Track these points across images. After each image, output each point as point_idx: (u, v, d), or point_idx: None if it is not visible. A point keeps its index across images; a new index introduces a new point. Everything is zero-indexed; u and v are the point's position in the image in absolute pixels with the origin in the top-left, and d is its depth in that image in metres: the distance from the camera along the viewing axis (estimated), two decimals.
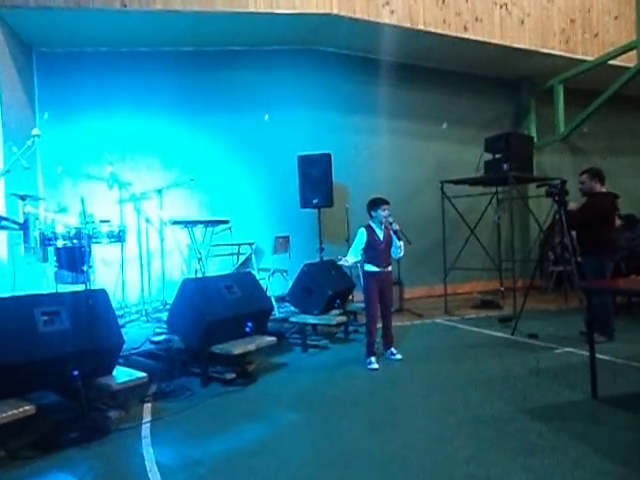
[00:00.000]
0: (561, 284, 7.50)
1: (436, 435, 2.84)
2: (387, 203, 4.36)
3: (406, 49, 7.58)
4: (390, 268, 4.40)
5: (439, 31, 7.13)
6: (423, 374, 4.07)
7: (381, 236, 4.35)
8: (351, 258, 4.37)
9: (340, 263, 4.42)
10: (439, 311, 6.74)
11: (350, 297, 6.09)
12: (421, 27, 6.99)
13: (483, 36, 7.47)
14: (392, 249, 4.40)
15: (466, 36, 7.34)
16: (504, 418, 3.04)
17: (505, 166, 6.12)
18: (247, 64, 7.17)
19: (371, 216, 4.41)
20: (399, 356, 4.42)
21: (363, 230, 4.37)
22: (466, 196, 7.09)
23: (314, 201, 6.49)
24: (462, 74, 8.58)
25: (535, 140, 8.20)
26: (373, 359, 4.26)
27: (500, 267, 7.65)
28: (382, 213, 4.32)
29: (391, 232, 4.32)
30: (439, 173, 7.48)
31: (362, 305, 6.81)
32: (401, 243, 4.35)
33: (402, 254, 4.40)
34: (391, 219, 4.32)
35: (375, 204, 4.37)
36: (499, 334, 5.34)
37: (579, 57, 8.22)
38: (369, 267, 4.34)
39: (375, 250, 4.32)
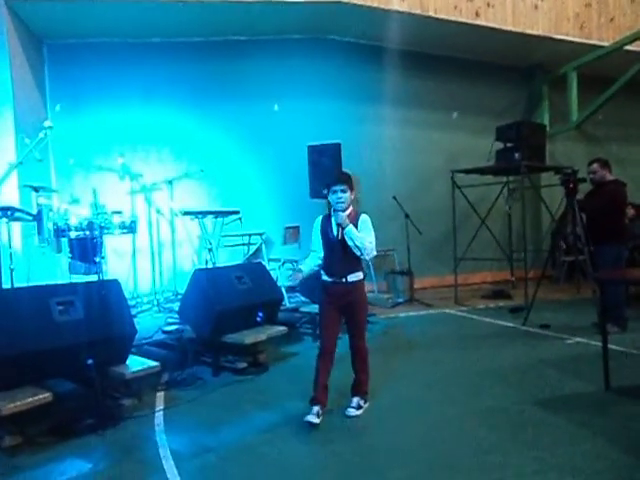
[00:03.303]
0: (573, 274, 7.43)
1: (446, 425, 2.85)
2: (342, 182, 2.97)
3: (417, 37, 7.48)
4: (355, 277, 2.98)
5: (450, 17, 7.03)
6: (433, 364, 4.07)
7: (335, 230, 2.97)
8: (306, 265, 3.08)
9: (292, 278, 3.15)
10: (449, 301, 6.73)
11: None
12: (432, 14, 6.90)
13: (495, 22, 7.34)
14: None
15: (478, 22, 7.22)
16: (515, 408, 3.03)
17: (517, 155, 6.05)
18: (257, 54, 7.14)
19: None
20: (352, 411, 3.00)
21: (318, 221, 3.11)
22: (477, 186, 7.02)
23: (324, 191, 6.45)
24: (473, 61, 8.45)
25: (548, 128, 8.08)
26: (314, 409, 2.88)
27: (511, 257, 7.60)
28: (333, 197, 2.97)
29: (341, 230, 2.94)
30: (450, 162, 7.41)
31: (372, 295, 6.87)
32: (361, 241, 2.87)
33: (368, 255, 2.93)
34: (342, 205, 2.94)
35: (327, 186, 3.05)
36: (510, 324, 5.32)
37: (594, 42, 8.05)
38: (322, 275, 3.05)
39: (327, 250, 3.02)
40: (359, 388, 3.10)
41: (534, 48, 8.13)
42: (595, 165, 5.01)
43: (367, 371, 3.11)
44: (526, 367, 3.83)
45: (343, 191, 2.95)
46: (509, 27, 7.44)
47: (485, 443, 2.59)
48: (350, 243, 2.88)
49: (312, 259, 3.09)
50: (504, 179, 7.50)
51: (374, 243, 2.95)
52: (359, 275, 3.02)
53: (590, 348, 4.23)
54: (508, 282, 7.70)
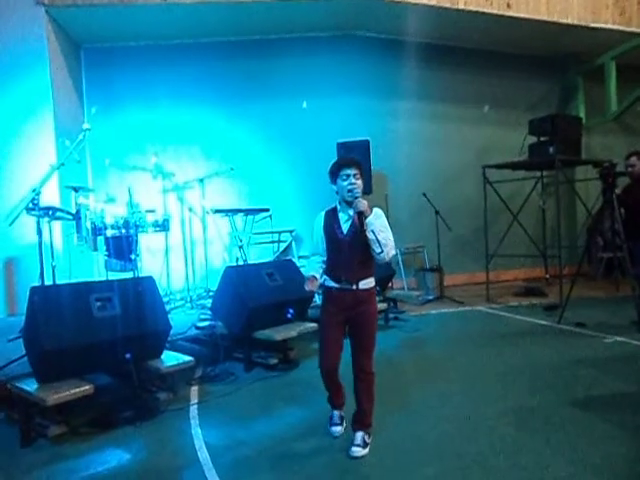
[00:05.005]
0: (611, 271, 7.19)
1: (478, 423, 2.81)
2: (353, 165, 2.47)
3: (446, 30, 7.37)
4: (368, 284, 2.51)
5: (481, 9, 6.87)
6: (465, 362, 4.02)
7: (345, 227, 2.50)
8: (315, 271, 2.56)
9: (307, 286, 2.51)
10: (481, 299, 6.62)
11: (390, 284, 6.07)
12: (462, 6, 6.76)
13: (528, 12, 7.13)
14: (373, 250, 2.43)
15: (509, 13, 7.04)
16: (550, 408, 2.97)
17: (551, 149, 5.88)
18: (285, 52, 7.19)
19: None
20: (358, 451, 2.48)
21: (320, 216, 2.61)
22: (509, 181, 6.87)
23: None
24: (504, 54, 8.26)
25: (584, 121, 7.82)
26: (335, 414, 2.74)
27: (545, 254, 7.41)
28: (344, 184, 2.46)
29: (363, 219, 2.40)
30: (481, 157, 7.28)
31: (402, 292, 6.83)
32: (383, 237, 2.40)
33: (387, 255, 2.43)
34: (358, 192, 2.44)
35: (333, 171, 2.52)
36: (544, 322, 5.20)
37: (635, 30, 7.71)
38: (326, 280, 2.57)
39: (334, 251, 2.53)
40: (363, 421, 2.56)
41: (569, 38, 7.86)
42: (634, 158, 4.86)
43: (373, 399, 2.56)
44: (562, 366, 3.74)
45: (356, 177, 2.45)
46: (543, 17, 7.22)
47: (518, 442, 2.55)
48: (371, 237, 2.37)
49: (316, 262, 2.60)
50: (537, 174, 7.32)
51: (393, 241, 2.47)
52: (371, 282, 2.53)
53: (629, 347, 4.10)
54: (542, 279, 7.52)
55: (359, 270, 2.48)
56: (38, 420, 2.82)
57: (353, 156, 2.63)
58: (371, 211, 2.43)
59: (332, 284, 2.53)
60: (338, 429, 2.73)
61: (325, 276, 2.56)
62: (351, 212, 2.46)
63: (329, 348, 2.54)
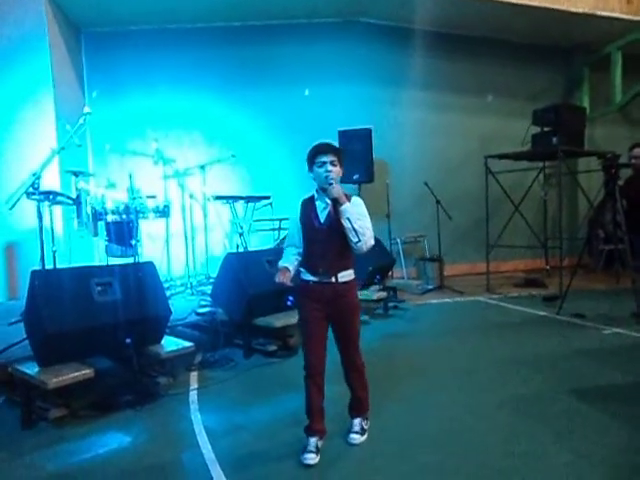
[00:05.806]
0: (612, 263, 7.18)
1: (476, 412, 2.83)
2: (331, 152, 2.34)
3: (451, 18, 7.27)
4: (347, 276, 2.38)
5: None
6: (463, 351, 4.03)
7: (322, 216, 2.36)
8: (288, 262, 2.42)
9: (278, 279, 2.37)
10: (481, 289, 6.63)
11: (390, 273, 6.08)
12: None
13: (535, 0, 7.04)
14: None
15: (516, 1, 6.94)
16: (548, 398, 2.99)
17: (554, 139, 5.84)
18: (288, 38, 7.11)
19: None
20: (357, 438, 2.50)
21: (297, 206, 2.48)
22: (511, 171, 6.83)
23: (354, 177, 6.44)
24: (510, 43, 8.16)
25: (587, 111, 7.76)
26: (311, 442, 2.36)
27: (546, 245, 7.41)
28: (319, 170, 2.33)
29: (338, 207, 2.29)
30: (483, 147, 7.24)
31: (402, 281, 6.84)
32: (359, 225, 2.27)
33: (365, 245, 2.29)
34: (332, 178, 2.30)
35: (309, 157, 2.39)
36: (543, 313, 5.21)
37: None
38: (302, 273, 2.43)
39: (310, 241, 2.39)
40: (359, 407, 2.57)
41: (576, 27, 7.76)
42: (637, 150, 4.84)
43: (366, 386, 2.56)
44: (560, 356, 3.75)
45: (333, 163, 2.31)
46: (550, 5, 7.11)
47: (516, 431, 2.57)
48: (347, 225, 2.25)
49: (291, 254, 2.44)
50: (540, 164, 7.28)
51: (372, 230, 2.36)
52: (351, 274, 2.40)
53: (628, 339, 4.11)
54: (542, 270, 7.52)
55: (337, 261, 2.35)
56: (39, 403, 2.84)
57: (331, 142, 2.45)
58: (348, 199, 2.32)
59: (309, 277, 2.38)
60: (312, 456, 2.31)
61: (301, 269, 2.42)
62: (328, 200, 2.34)
63: (315, 347, 2.38)
